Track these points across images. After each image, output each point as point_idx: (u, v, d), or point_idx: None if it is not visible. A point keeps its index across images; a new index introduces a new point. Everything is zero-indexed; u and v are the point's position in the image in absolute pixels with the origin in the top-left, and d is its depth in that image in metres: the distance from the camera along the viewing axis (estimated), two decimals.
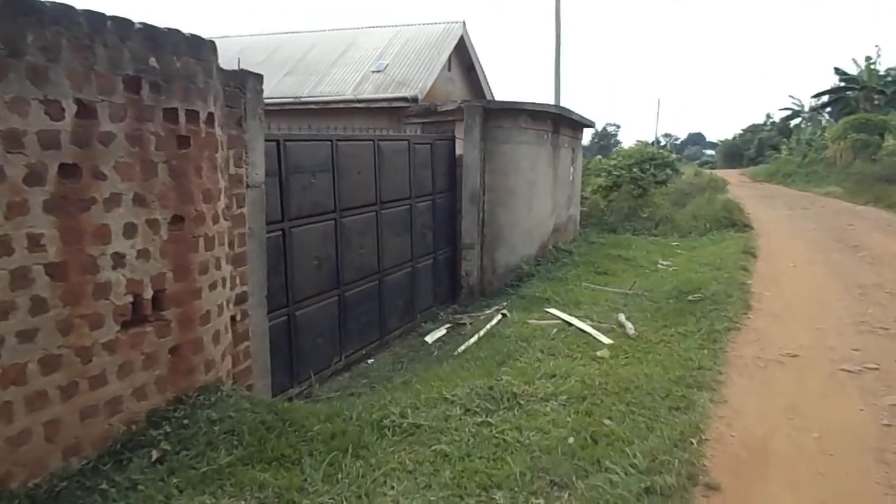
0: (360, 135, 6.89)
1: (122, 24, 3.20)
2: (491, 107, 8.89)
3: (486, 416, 3.90)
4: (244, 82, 4.57)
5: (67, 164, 2.95)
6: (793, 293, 7.24)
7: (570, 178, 11.85)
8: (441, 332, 7.40)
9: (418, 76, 10.27)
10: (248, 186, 4.70)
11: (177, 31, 3.53)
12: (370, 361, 6.99)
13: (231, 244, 4.40)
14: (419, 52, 11.08)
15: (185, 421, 3.58)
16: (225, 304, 4.23)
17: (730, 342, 5.33)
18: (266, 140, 5.32)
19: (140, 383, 3.43)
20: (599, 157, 20.34)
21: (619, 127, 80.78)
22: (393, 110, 10.13)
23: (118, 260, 3.24)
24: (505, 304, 7.94)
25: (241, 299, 4.66)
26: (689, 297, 6.71)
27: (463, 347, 6.39)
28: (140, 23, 3.30)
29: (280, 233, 5.56)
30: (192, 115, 3.66)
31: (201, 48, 3.75)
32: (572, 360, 5.08)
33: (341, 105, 10.21)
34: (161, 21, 3.53)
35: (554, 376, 4.64)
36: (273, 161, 5.40)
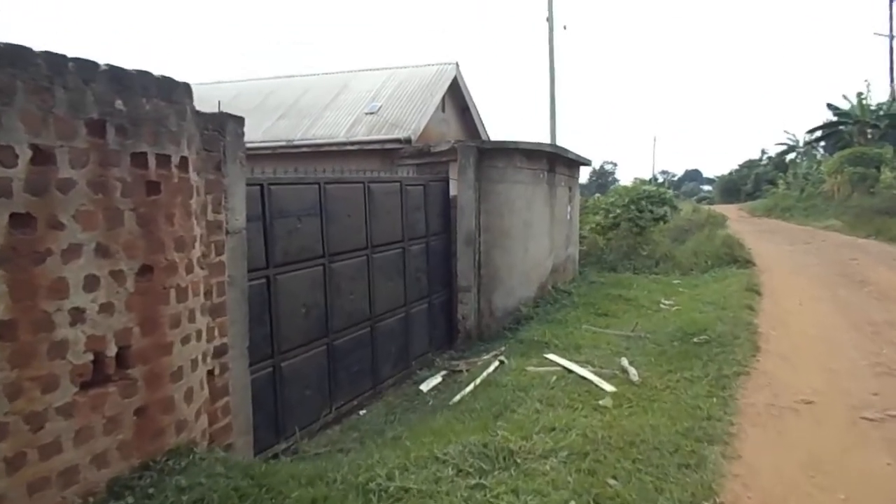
0: (350, 177, 6.73)
1: (86, 65, 3.03)
2: (485, 147, 8.78)
3: (480, 478, 3.58)
4: (223, 125, 4.41)
5: (19, 214, 2.73)
6: (801, 332, 6.97)
7: (568, 217, 11.68)
8: (437, 379, 7.09)
9: (411, 118, 10.22)
10: (227, 233, 4.49)
11: (146, 73, 3.37)
12: (362, 413, 6.66)
13: (208, 294, 4.16)
14: (412, 94, 11.06)
15: (151, 490, 3.28)
16: (200, 358, 3.96)
17: (739, 388, 5.03)
18: (249, 184, 5.14)
19: (100, 449, 3.14)
20: (597, 195, 20.26)
21: (616, 165, 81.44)
22: (386, 152, 10.05)
23: (77, 315, 3.00)
24: (503, 348, 7.65)
25: (219, 352, 4.40)
26: (695, 339, 6.43)
27: (458, 397, 6.08)
28: (106, 64, 3.14)
29: (264, 280, 5.33)
30: (163, 160, 3.47)
31: (173, 90, 3.58)
32: (573, 411, 4.78)
33: (334, 147, 10.13)
34: (156, 68, 3.38)
35: (553, 429, 4.33)
36: (256, 205, 5.21)
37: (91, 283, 3.06)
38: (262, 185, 5.27)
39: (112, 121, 3.14)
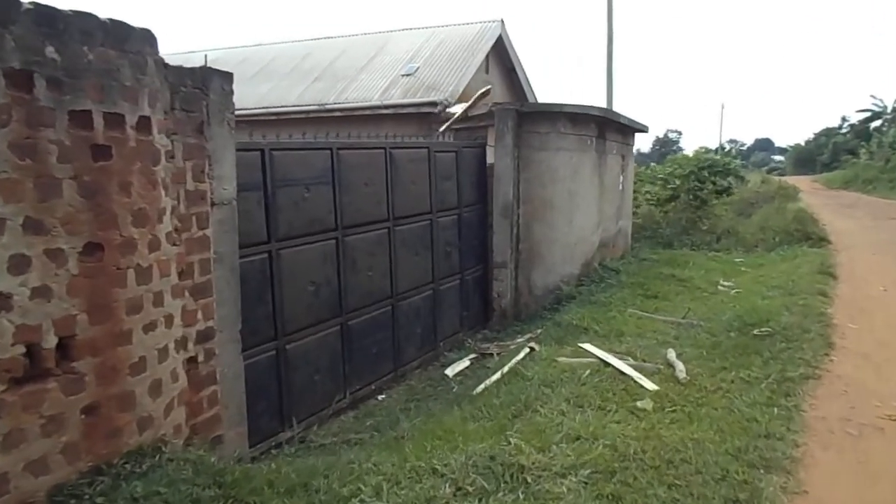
0: (368, 142, 6.15)
1: (3, 3, 2.53)
2: (525, 110, 8.00)
3: (480, 501, 3.02)
4: (206, 81, 3.88)
5: None
6: (886, 325, 6.00)
7: (620, 187, 10.77)
8: (464, 363, 6.55)
9: (449, 80, 9.50)
10: (213, 204, 4.00)
11: (87, 15, 2.84)
12: (381, 398, 6.20)
13: (186, 273, 3.71)
14: (452, 54, 10.32)
15: (100, 499, 2.87)
16: (174, 345, 3.52)
17: (807, 395, 4.24)
18: (246, 149, 4.66)
19: (38, 454, 2.73)
20: (654, 164, 18.96)
21: (680, 133, 77.97)
22: (422, 116, 9.41)
23: (2, 302, 2.56)
24: (538, 331, 7.00)
25: (204, 337, 3.96)
26: (755, 331, 5.59)
27: (482, 387, 5.50)
28: (31, 2, 2.62)
29: (266, 255, 4.85)
30: (114, 120, 2.96)
31: (127, 38, 3.06)
32: (604, 414, 4.13)
33: (368, 112, 9.56)
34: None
35: (578, 439, 3.71)
36: (255, 173, 4.72)
37: (19, 265, 2.61)
38: (262, 151, 4.76)
39: (41, 72, 2.65)
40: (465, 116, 8.48)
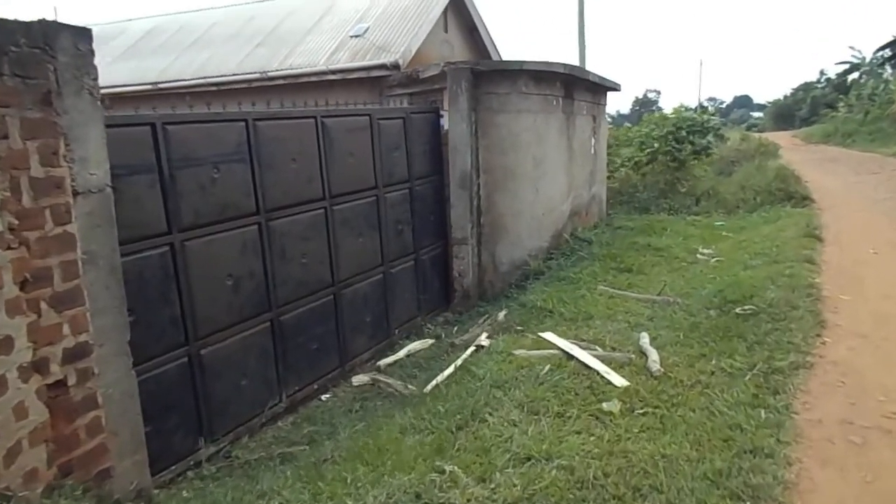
0: (292, 111, 5.37)
1: None
2: (482, 68, 7.22)
3: None
4: (51, 40, 3.08)
5: None
6: (881, 295, 5.43)
7: (592, 150, 10.08)
8: (400, 355, 6.02)
9: (401, 39, 8.65)
10: (77, 193, 3.25)
11: None
12: (325, 398, 5.55)
13: (37, 281, 2.97)
14: (405, 12, 9.44)
15: None
16: (16, 374, 2.81)
17: (799, 391, 3.63)
18: (130, 124, 3.88)
19: None
20: (628, 124, 18.21)
21: (659, 93, 77.15)
22: (374, 81, 8.58)
23: None
24: (502, 313, 6.38)
25: (75, 355, 3.24)
26: (738, 310, 4.99)
27: (432, 384, 4.89)
28: None
29: (166, 249, 4.11)
30: None
31: None
32: (563, 423, 3.51)
33: (314, 78, 8.71)
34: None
35: (529, 459, 3.09)
36: (146, 153, 3.95)
37: None
38: (153, 126, 3.97)
39: None
40: (416, 79, 7.68)
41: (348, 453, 3.64)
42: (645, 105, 71.50)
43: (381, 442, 3.70)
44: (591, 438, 3.31)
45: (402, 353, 6.19)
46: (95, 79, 3.32)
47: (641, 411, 3.63)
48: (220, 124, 4.48)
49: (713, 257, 7.40)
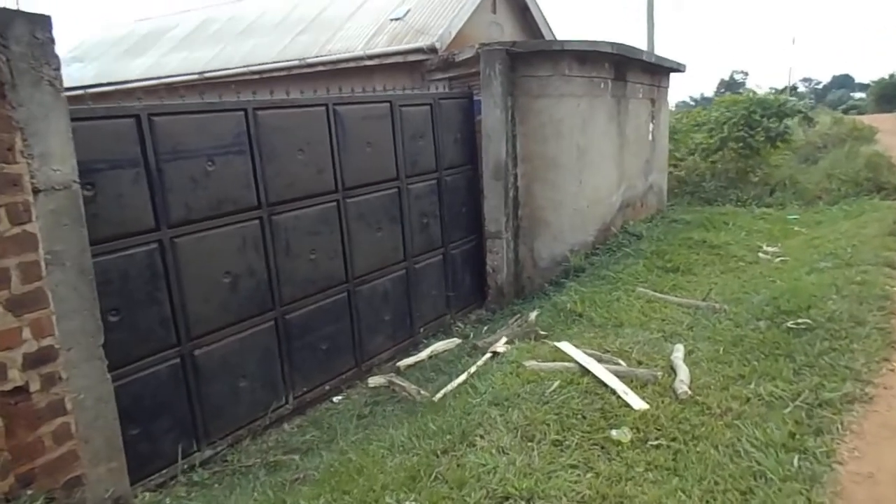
0: (299, 98, 5.09)
1: None
2: (518, 50, 6.70)
3: None
4: (2, 28, 2.91)
5: None
6: None
7: (650, 137, 9.32)
8: (422, 356, 5.69)
9: (441, 21, 8.22)
10: (37, 191, 3.09)
11: None
12: (337, 399, 5.33)
13: None
14: None
15: None
16: None
17: (849, 431, 3.00)
18: (111, 116, 3.71)
19: None
20: (699, 107, 16.95)
21: (747, 74, 72.50)
22: (413, 66, 8.19)
23: None
24: (534, 314, 5.92)
25: (37, 360, 3.11)
26: (791, 322, 4.31)
27: (441, 393, 4.54)
28: None
29: (154, 246, 3.95)
30: None
31: None
32: (559, 452, 3.07)
33: (352, 64, 8.42)
34: None
35: (506, 500, 2.68)
36: (129, 146, 3.79)
37: None
38: (137, 117, 3.79)
39: None
40: (452, 62, 7.25)
41: (324, 473, 3.36)
42: (731, 87, 67.49)
43: (364, 460, 3.39)
44: (587, 475, 2.87)
45: (424, 354, 5.88)
46: (57, 69, 3.15)
47: (655, 443, 3.14)
48: (215, 115, 4.27)
49: (777, 257, 6.60)
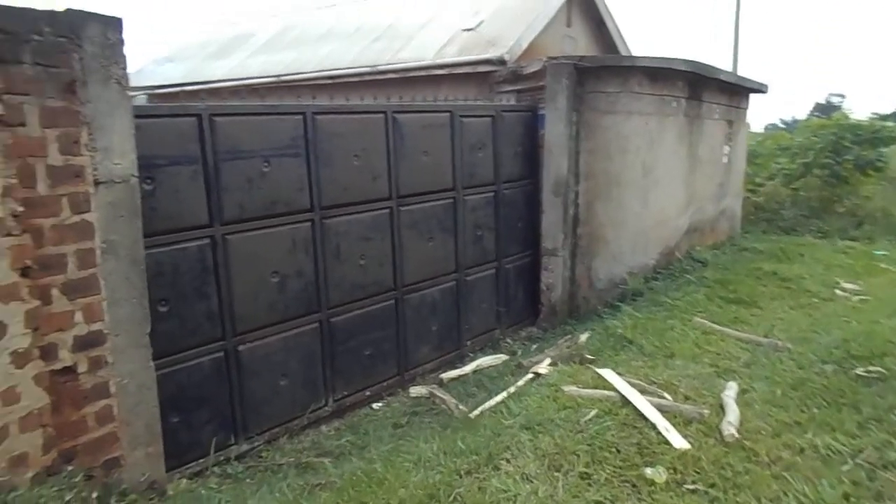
0: (359, 105, 5.14)
1: None
2: (586, 64, 6.55)
3: None
4: (78, 29, 3.08)
5: None
6: None
7: (725, 159, 8.90)
8: (466, 369, 5.62)
9: (513, 33, 8.16)
10: (98, 183, 3.25)
11: None
12: (377, 406, 5.33)
13: (47, 268, 3.00)
14: (524, 3, 8.92)
15: None
16: (9, 359, 2.84)
17: None
18: (175, 115, 3.87)
19: None
20: (783, 131, 16.05)
21: (843, 97, 68.20)
22: (482, 77, 8.17)
23: None
24: (585, 336, 5.74)
25: (86, 343, 3.26)
26: (861, 370, 3.96)
27: (479, 410, 4.45)
28: None
29: (207, 241, 4.08)
30: None
31: None
32: (587, 486, 2.93)
33: (422, 73, 8.49)
34: None
35: None
36: (190, 144, 3.94)
37: None
38: (198, 117, 3.94)
39: None
40: (520, 75, 7.18)
41: (347, 481, 3.34)
42: (826, 111, 63.71)
43: (388, 472, 3.35)
44: None
45: (469, 368, 5.83)
46: (124, 68, 3.30)
47: (692, 486, 2.94)
48: (273, 117, 4.38)
49: (856, 295, 6.12)
